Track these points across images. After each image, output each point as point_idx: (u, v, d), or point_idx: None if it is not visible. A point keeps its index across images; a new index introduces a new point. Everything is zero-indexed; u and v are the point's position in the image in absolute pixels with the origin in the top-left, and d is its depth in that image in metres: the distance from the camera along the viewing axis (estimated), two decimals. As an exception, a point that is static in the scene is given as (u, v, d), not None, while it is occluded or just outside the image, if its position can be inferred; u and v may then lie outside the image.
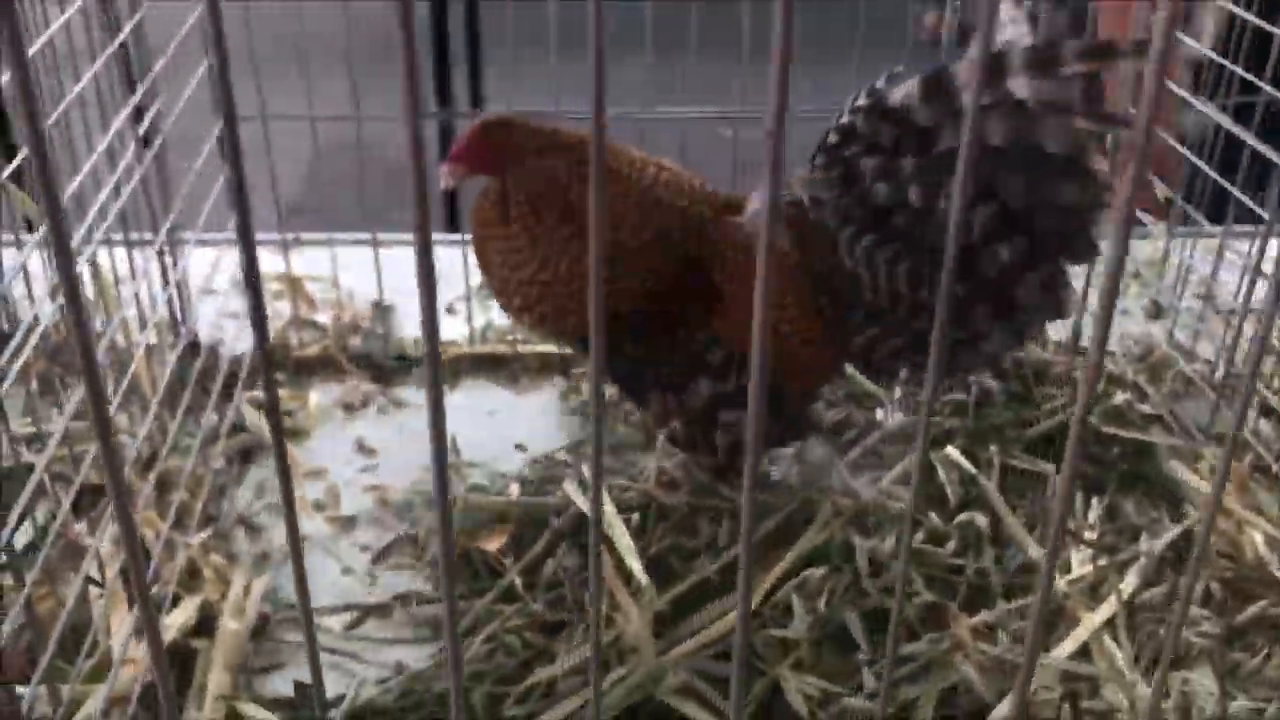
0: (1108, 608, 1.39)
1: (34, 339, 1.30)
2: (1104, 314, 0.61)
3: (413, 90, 0.49)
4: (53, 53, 1.32)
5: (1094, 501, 1.57)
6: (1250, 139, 1.59)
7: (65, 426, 1.26)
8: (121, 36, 1.46)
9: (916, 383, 1.58)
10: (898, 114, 1.26)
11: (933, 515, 1.53)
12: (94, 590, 1.34)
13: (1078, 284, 1.98)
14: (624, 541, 1.45)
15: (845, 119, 1.32)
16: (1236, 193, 1.68)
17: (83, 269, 1.49)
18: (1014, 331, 1.35)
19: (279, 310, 1.90)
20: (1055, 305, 1.33)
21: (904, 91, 1.25)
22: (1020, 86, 1.18)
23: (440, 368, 0.56)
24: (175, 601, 1.37)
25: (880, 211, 1.31)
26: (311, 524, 1.52)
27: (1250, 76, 1.70)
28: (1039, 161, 1.22)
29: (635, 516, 1.51)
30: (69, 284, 0.56)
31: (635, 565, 1.42)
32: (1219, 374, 1.75)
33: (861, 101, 1.30)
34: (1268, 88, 1.64)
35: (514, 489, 1.57)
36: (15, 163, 1.38)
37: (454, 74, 3.80)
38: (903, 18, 1.91)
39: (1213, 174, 1.75)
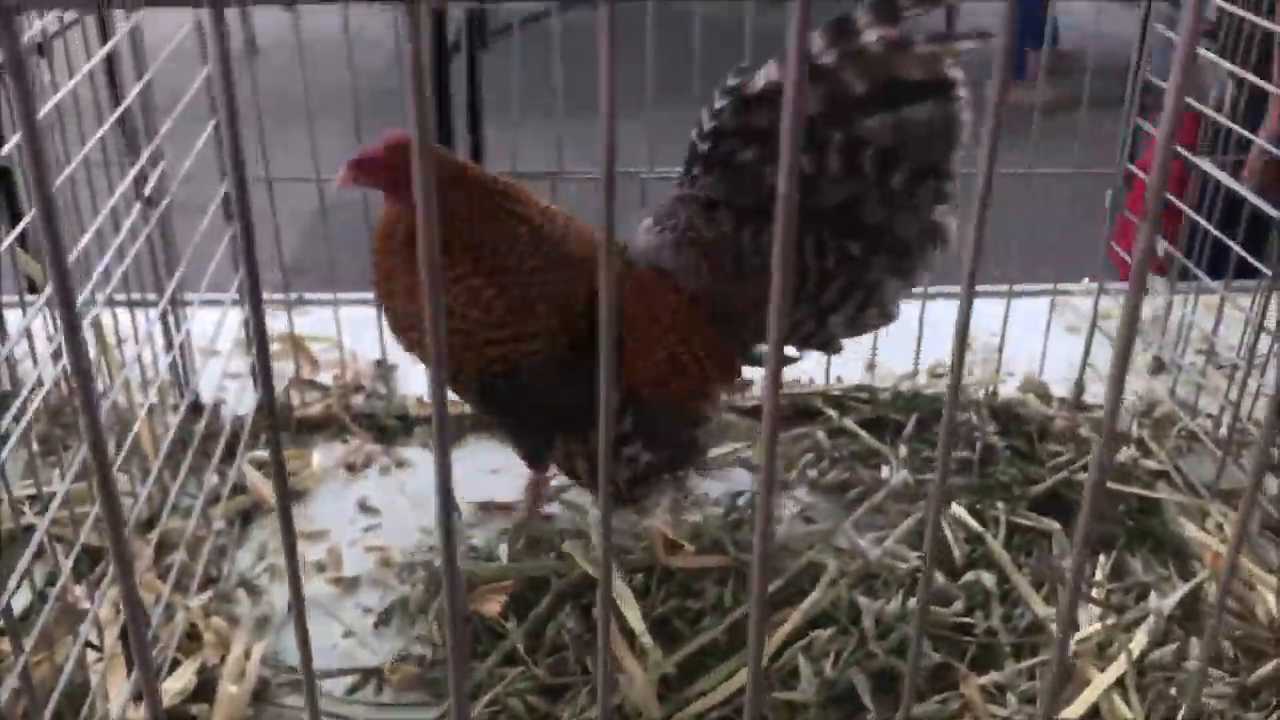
0: (1117, 667, 1.37)
1: (37, 400, 1.29)
2: (1117, 377, 0.60)
3: (424, 161, 0.49)
4: (57, 113, 1.33)
5: (1101, 559, 1.55)
6: (1249, 194, 1.60)
7: (67, 489, 1.25)
8: (128, 100, 1.47)
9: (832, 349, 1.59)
10: (766, 96, 1.31)
11: (939, 575, 1.51)
12: (91, 654, 1.33)
13: (1073, 330, 1.99)
14: (628, 603, 1.44)
15: (710, 124, 1.37)
16: (1236, 248, 1.68)
17: (86, 330, 1.49)
18: (906, 275, 1.43)
19: (282, 370, 1.90)
20: (937, 234, 1.40)
21: (765, 75, 1.31)
22: (871, 39, 1.28)
23: (448, 425, 0.56)
24: (174, 665, 1.36)
25: (774, 194, 1.32)
26: (313, 585, 1.51)
27: (1247, 133, 1.71)
28: (898, 94, 1.31)
29: (639, 577, 1.50)
30: (74, 348, 0.55)
31: (639, 627, 1.40)
32: (1223, 430, 1.74)
33: (722, 102, 1.36)
34: (1264, 143, 1.65)
35: (502, 550, 1.55)
36: (21, 226, 1.39)
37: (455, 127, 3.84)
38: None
39: (1213, 230, 1.75)
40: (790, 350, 1.54)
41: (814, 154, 1.34)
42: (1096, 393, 1.88)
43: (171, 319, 1.67)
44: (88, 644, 1.30)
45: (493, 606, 1.45)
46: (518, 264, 1.38)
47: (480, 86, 4.06)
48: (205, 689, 1.35)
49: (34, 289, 1.60)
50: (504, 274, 1.38)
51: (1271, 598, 1.46)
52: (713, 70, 1.69)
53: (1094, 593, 1.49)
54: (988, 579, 1.50)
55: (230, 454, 1.69)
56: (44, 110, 1.30)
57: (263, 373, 0.59)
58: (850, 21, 1.28)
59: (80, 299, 1.41)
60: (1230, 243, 1.69)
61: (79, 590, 1.41)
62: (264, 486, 1.65)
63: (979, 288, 1.94)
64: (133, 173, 1.52)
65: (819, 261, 1.40)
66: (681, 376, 1.45)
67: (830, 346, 1.53)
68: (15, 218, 1.35)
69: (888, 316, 1.49)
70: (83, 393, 0.57)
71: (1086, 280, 2.14)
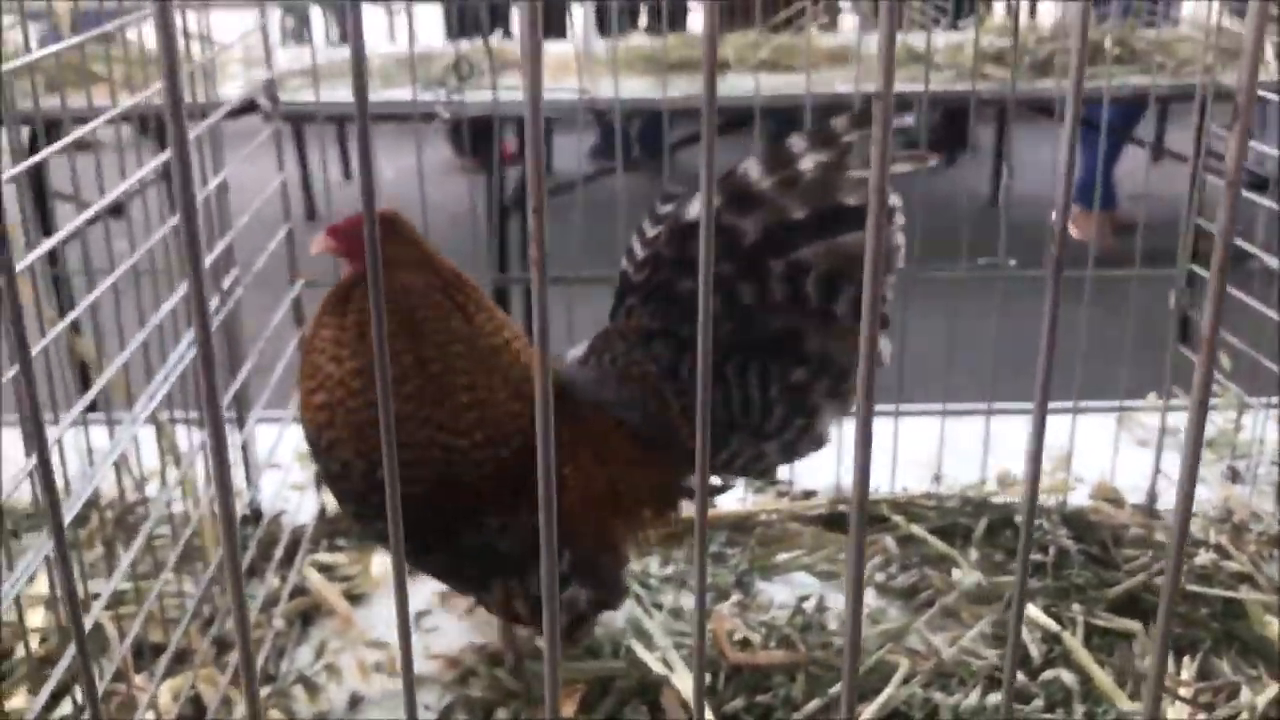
0: (1213, 764, 1.31)
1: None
2: (1191, 460, 0.57)
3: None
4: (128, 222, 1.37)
5: (1186, 660, 1.49)
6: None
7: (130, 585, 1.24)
8: (205, 192, 1.51)
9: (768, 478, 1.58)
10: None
11: (1017, 673, 1.46)
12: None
13: (1142, 444, 1.96)
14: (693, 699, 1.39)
15: (643, 251, 1.34)
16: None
17: (142, 435, 1.49)
18: (843, 398, 1.37)
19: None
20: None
21: (698, 203, 1.23)
22: (809, 165, 1.25)
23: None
24: (231, 757, 1.33)
25: (716, 324, 1.28)
26: (373, 685, 1.48)
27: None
28: (837, 220, 1.27)
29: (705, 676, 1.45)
30: (219, 462, 0.56)
31: (709, 720, 1.36)
32: (1304, 534, 1.69)
33: (654, 231, 1.32)
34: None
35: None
36: (69, 319, 1.40)
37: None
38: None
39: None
40: (715, 480, 1.47)
41: (754, 283, 1.30)
42: (1168, 501, 1.84)
43: (234, 428, 1.69)
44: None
45: (568, 708, 1.41)
46: (452, 364, 1.27)
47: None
48: (261, 783, 1.31)
49: (86, 376, 1.62)
50: (436, 364, 1.27)
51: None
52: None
53: (1181, 691, 1.43)
54: (1068, 678, 1.44)
55: (289, 559, 1.68)
56: (106, 199, 1.34)
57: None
58: (787, 148, 1.26)
59: (139, 406, 1.42)
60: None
61: (138, 680, 1.39)
62: (324, 588, 1.63)
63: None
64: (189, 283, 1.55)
65: (762, 393, 1.35)
66: (619, 513, 1.37)
67: (767, 475, 1.50)
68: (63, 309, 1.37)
69: (819, 442, 1.40)
70: (220, 505, 0.57)
71: (1152, 396, 2.12)
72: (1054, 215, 0.49)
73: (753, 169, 1.27)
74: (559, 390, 1.31)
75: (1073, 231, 5.21)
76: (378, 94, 3.13)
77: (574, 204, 1.90)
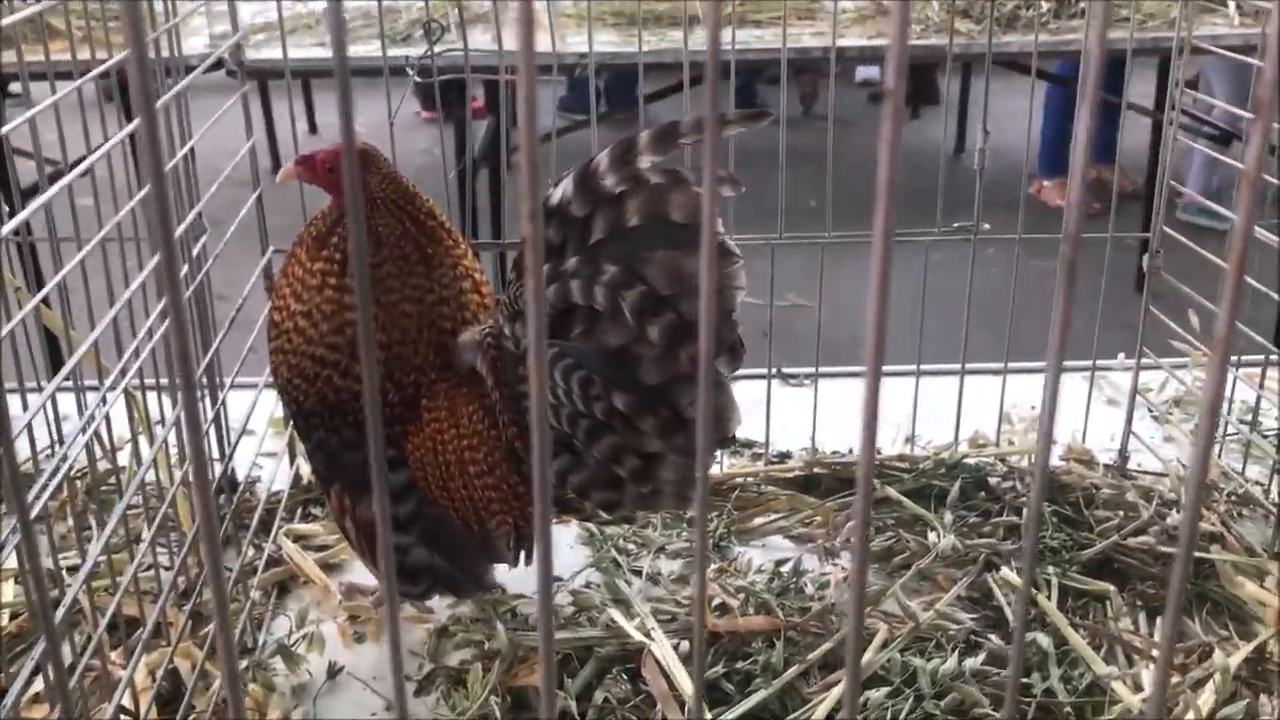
0: (1188, 726, 1.33)
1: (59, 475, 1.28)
2: (1203, 448, 0.56)
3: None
4: (92, 180, 1.34)
5: (1158, 621, 1.51)
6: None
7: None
8: (174, 160, 1.48)
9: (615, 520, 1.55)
10: (559, 212, 1.22)
11: (993, 636, 1.47)
12: (126, 721, 1.29)
13: (1112, 403, 1.97)
14: (677, 666, 1.40)
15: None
16: None
17: (117, 404, 1.47)
18: (688, 455, 1.24)
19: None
20: (717, 419, 1.23)
21: (561, 189, 1.22)
22: (645, 165, 1.19)
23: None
24: (212, 731, 1.32)
25: (555, 319, 1.24)
26: (352, 654, 1.47)
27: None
28: (674, 237, 1.19)
29: (684, 643, 1.46)
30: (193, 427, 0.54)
31: (688, 688, 1.36)
32: (1273, 494, 1.71)
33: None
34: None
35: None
36: (46, 290, 1.38)
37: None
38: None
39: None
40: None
41: (585, 284, 1.22)
42: (1139, 461, 1.86)
43: (207, 397, 1.67)
44: (121, 709, 1.27)
45: (537, 677, 1.42)
46: (397, 322, 1.34)
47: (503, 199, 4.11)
48: (242, 757, 1.30)
49: (55, 346, 1.60)
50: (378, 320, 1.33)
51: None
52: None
53: (1154, 653, 1.45)
54: (1044, 640, 1.45)
55: (265, 529, 1.66)
56: (72, 175, 1.31)
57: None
58: (633, 144, 1.19)
59: (113, 374, 1.40)
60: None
61: (114, 657, 1.38)
62: (299, 558, 1.62)
63: (1014, 364, 1.96)
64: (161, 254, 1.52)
65: (587, 407, 1.23)
66: (470, 486, 1.35)
67: (630, 520, 1.53)
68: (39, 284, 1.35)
69: (682, 499, 1.30)
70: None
71: (1122, 356, 2.13)
72: (1066, 216, 0.48)
73: (603, 160, 1.21)
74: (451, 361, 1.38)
75: (1048, 199, 5.21)
76: (352, 49, 3.07)
77: (541, 158, 1.87)
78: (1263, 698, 1.38)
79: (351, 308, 1.33)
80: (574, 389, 1.23)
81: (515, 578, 1.60)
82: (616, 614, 1.51)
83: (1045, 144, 5.14)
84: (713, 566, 1.62)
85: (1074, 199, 0.46)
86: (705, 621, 1.47)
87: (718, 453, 1.73)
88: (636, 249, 1.20)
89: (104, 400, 1.37)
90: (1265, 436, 1.87)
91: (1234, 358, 1.84)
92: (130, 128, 1.34)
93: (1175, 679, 1.40)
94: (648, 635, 1.46)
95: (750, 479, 1.81)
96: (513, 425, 1.33)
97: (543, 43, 3.15)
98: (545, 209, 1.23)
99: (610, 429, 1.23)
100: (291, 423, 1.51)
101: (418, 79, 1.69)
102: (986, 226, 1.77)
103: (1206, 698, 1.37)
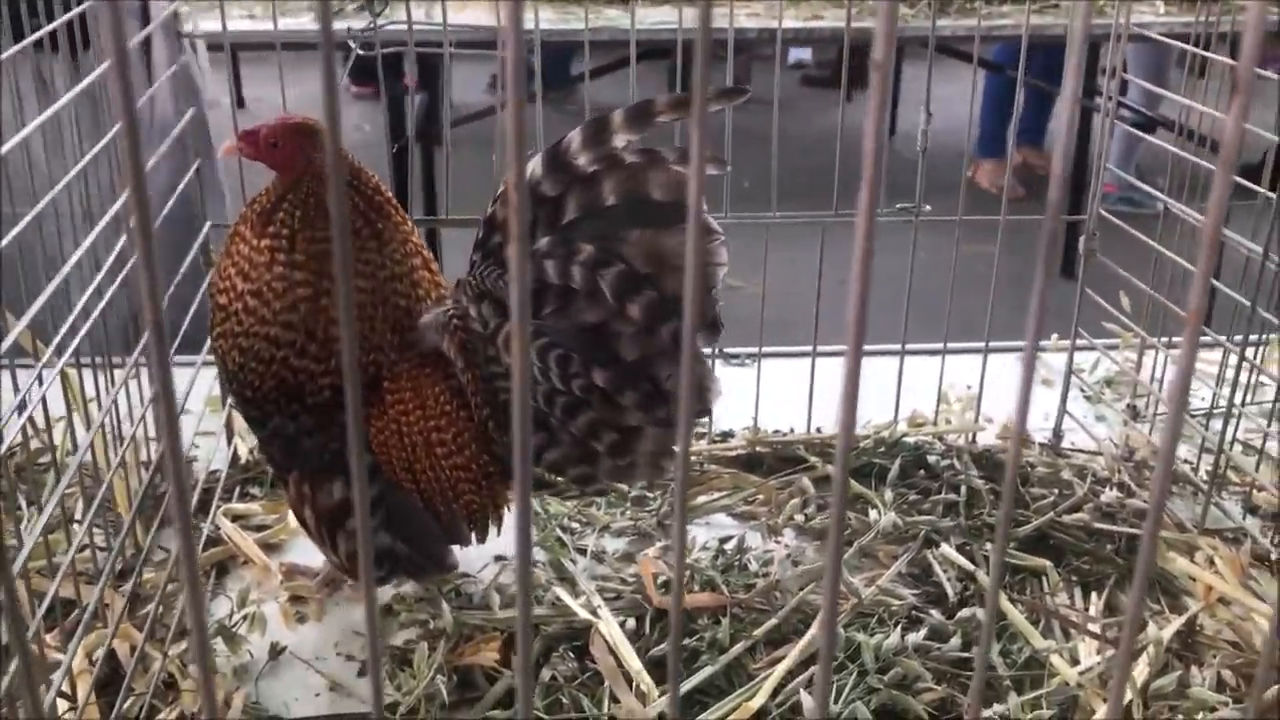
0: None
1: None
2: (1173, 425, 0.57)
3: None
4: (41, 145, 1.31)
5: (1093, 596, 1.55)
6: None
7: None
8: (105, 139, 1.45)
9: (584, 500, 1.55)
10: (529, 192, 1.22)
11: (934, 612, 1.50)
12: (64, 705, 1.27)
13: (1047, 384, 2.01)
14: (623, 644, 1.41)
15: (489, 209, 1.28)
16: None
17: (53, 384, 1.44)
18: (667, 427, 1.26)
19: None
20: (698, 390, 1.26)
21: (530, 168, 1.22)
22: (623, 143, 1.20)
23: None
24: (153, 713, 1.30)
25: (540, 290, 1.25)
26: (297, 635, 1.46)
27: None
28: (652, 216, 1.21)
29: (630, 621, 1.46)
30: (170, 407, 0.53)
31: (636, 666, 1.37)
32: (1202, 472, 1.76)
33: (501, 189, 1.28)
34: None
35: (494, 598, 1.51)
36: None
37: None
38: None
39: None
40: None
41: (561, 263, 1.22)
42: (1073, 440, 1.90)
43: (141, 374, 1.63)
44: (61, 694, 1.25)
45: (489, 655, 1.41)
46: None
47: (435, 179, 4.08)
48: (185, 739, 1.29)
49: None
50: (327, 298, 1.31)
51: (1267, 626, 1.46)
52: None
53: (1090, 627, 1.48)
54: (982, 615, 1.48)
55: (203, 509, 1.64)
56: (16, 139, 1.28)
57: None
58: (606, 123, 1.20)
59: (48, 353, 1.37)
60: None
61: (50, 640, 1.35)
62: (239, 538, 1.60)
63: (954, 345, 2.00)
64: (101, 225, 1.48)
65: (565, 384, 1.25)
66: (438, 467, 1.34)
67: (602, 492, 1.53)
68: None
69: (657, 469, 1.32)
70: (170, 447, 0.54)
71: (1055, 337, 2.17)
72: (1046, 216, 0.49)
73: (574, 140, 1.21)
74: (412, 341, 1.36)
75: (980, 180, 5.30)
76: (283, 23, 3.03)
77: (470, 138, 1.86)
78: (1194, 669, 1.42)
79: (302, 284, 1.31)
80: (551, 366, 1.24)
81: (460, 557, 1.59)
82: (562, 592, 1.51)
83: (984, 124, 5.22)
84: (657, 544, 1.63)
85: (1056, 170, 0.47)
86: (649, 594, 1.49)
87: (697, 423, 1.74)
88: (613, 228, 1.20)
89: (39, 380, 1.34)
90: (1193, 416, 1.91)
91: (1164, 339, 1.88)
92: (70, 95, 1.30)
93: (1109, 652, 1.43)
94: (594, 613, 1.46)
95: (693, 457, 1.82)
96: (485, 406, 1.33)
97: (484, 19, 3.13)
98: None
99: (588, 405, 1.25)
100: (239, 411, 1.45)
101: (360, 51, 1.67)
102: (928, 208, 1.79)
103: (1140, 669, 1.40)
